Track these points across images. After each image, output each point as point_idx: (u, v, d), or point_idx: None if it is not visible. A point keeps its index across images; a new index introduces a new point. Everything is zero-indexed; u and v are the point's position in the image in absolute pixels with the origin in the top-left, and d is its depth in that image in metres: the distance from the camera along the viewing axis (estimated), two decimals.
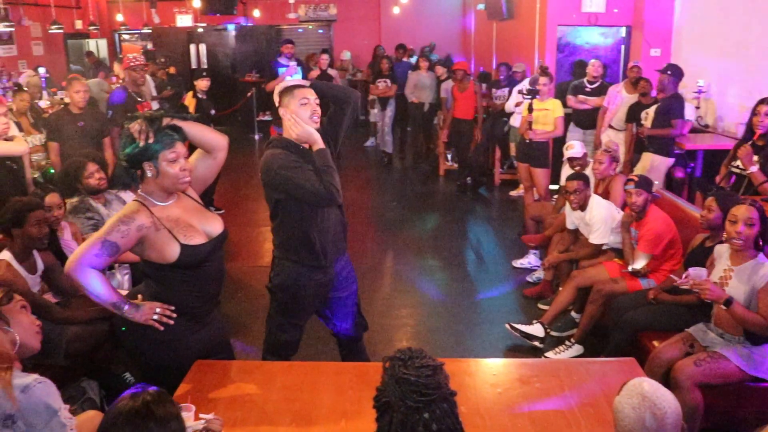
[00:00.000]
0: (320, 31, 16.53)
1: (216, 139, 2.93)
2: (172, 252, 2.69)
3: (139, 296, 2.77)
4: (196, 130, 2.81)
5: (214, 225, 2.90)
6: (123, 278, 4.40)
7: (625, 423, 1.87)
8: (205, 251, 2.77)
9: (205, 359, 2.94)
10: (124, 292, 4.08)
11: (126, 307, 2.65)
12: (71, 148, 5.61)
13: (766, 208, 3.57)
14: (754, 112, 4.80)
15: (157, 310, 2.70)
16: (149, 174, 2.68)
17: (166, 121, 2.71)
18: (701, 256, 3.75)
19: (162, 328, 2.70)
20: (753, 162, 4.75)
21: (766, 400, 3.35)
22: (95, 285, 2.59)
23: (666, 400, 1.87)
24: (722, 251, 3.56)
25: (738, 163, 4.87)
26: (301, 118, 3.14)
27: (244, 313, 5.32)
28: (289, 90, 3.22)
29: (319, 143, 3.17)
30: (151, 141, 2.62)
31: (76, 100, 5.94)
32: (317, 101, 3.21)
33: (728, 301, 3.20)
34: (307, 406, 2.62)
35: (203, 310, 2.92)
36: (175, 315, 2.74)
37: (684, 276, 3.34)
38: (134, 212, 2.65)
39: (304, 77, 8.45)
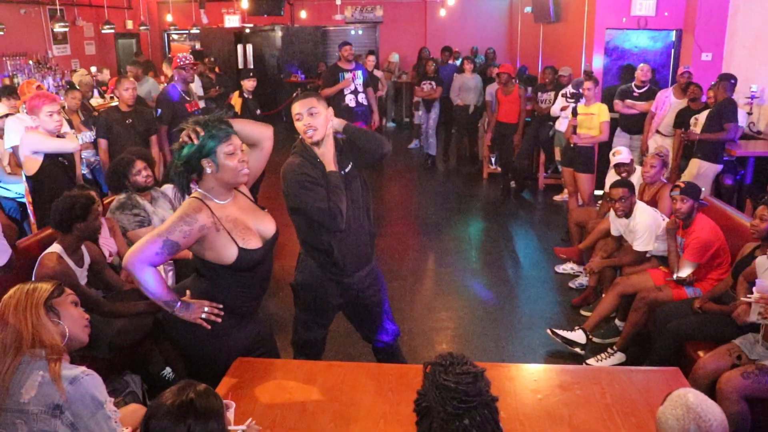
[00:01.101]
0: (362, 32, 16.58)
1: (259, 130, 2.96)
2: (230, 254, 2.72)
3: (188, 292, 2.81)
4: (239, 125, 2.83)
5: (267, 225, 2.93)
6: (167, 275, 4.48)
7: (667, 428, 1.83)
8: (260, 255, 2.81)
9: (248, 354, 2.99)
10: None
11: (177, 305, 2.69)
12: (119, 146, 5.75)
13: None
14: None
15: (206, 308, 2.73)
16: (209, 170, 2.69)
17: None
18: (749, 266, 3.66)
19: (209, 327, 2.74)
20: None
21: None
22: (151, 282, 2.62)
23: (712, 412, 1.82)
24: (765, 263, 3.47)
25: None
26: (301, 133, 3.23)
27: (287, 312, 5.35)
28: (294, 100, 3.28)
29: (330, 165, 3.20)
30: (202, 133, 2.65)
31: (125, 98, 6.08)
32: (313, 110, 3.20)
33: None
34: (347, 406, 2.63)
35: (251, 308, 2.98)
36: (222, 313, 2.77)
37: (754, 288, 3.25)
38: (196, 211, 2.66)
39: (365, 81, 8.33)
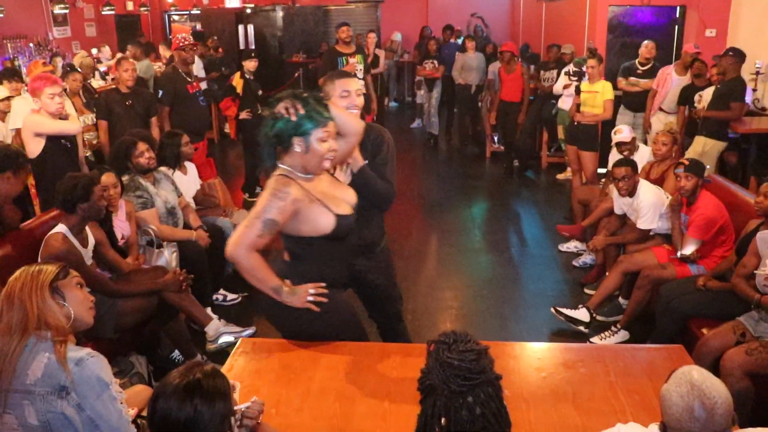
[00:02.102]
0: (363, 11, 16.46)
1: (352, 123, 2.89)
2: (327, 223, 2.69)
3: (287, 281, 2.75)
4: (335, 113, 2.76)
5: (350, 193, 2.91)
6: (171, 256, 4.49)
7: (673, 411, 1.83)
8: (353, 220, 2.80)
9: (354, 318, 3.03)
10: (172, 269, 4.22)
11: (285, 290, 2.68)
12: (120, 127, 5.74)
13: None
14: None
15: (311, 291, 2.71)
16: (298, 149, 2.64)
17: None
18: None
19: (319, 310, 2.72)
20: None
21: None
22: (260, 269, 2.62)
23: (716, 389, 1.82)
24: (765, 237, 3.46)
25: None
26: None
27: None
28: (330, 78, 3.16)
29: (358, 160, 3.14)
30: (301, 111, 2.60)
31: (125, 79, 6.05)
32: (359, 92, 3.14)
33: None
34: (351, 386, 2.64)
35: (345, 277, 2.98)
36: (326, 291, 2.75)
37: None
38: (286, 185, 2.62)
39: (366, 67, 7.77)
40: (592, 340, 4.51)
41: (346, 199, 2.84)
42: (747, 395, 3.19)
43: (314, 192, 2.69)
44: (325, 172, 2.84)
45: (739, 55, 6.55)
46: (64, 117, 5.08)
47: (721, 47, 7.97)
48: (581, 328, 4.58)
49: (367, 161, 3.19)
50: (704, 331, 3.70)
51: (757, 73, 7.66)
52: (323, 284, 2.75)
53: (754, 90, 7.71)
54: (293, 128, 2.61)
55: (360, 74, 7.30)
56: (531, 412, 2.45)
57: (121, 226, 4.26)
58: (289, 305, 2.71)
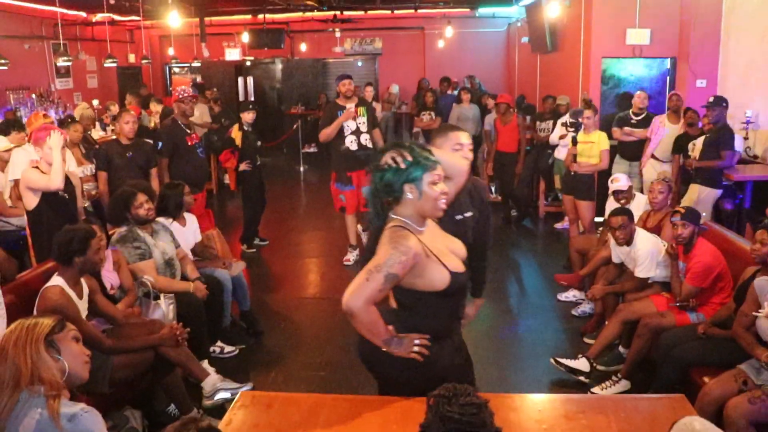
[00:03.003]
0: (362, 63, 16.74)
1: (458, 164, 2.92)
2: (442, 279, 2.66)
3: (390, 327, 2.70)
4: (439, 155, 2.75)
5: (460, 247, 2.89)
6: (168, 308, 4.47)
7: None
8: (466, 277, 2.78)
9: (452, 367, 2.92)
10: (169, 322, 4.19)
11: (394, 341, 2.65)
12: (120, 178, 5.77)
13: None
14: None
15: (416, 341, 2.67)
16: (410, 197, 2.61)
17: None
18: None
19: (422, 359, 2.68)
20: None
21: None
22: (376, 323, 2.59)
23: None
24: (764, 284, 3.46)
25: None
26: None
27: (286, 345, 5.34)
28: (443, 131, 3.17)
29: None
30: (408, 158, 2.59)
31: (125, 131, 6.10)
32: (471, 147, 3.14)
33: None
34: None
35: (453, 329, 2.93)
36: (429, 344, 2.71)
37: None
38: (407, 239, 2.58)
39: (371, 119, 7.11)
40: (593, 390, 4.46)
41: (457, 253, 2.81)
42: None
43: (430, 246, 2.67)
44: (436, 225, 2.83)
45: (719, 103, 6.69)
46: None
47: None
48: (582, 378, 4.54)
49: (471, 213, 3.21)
50: (706, 379, 3.67)
51: (748, 122, 7.76)
52: (428, 336, 2.70)
53: (746, 139, 7.81)
54: (404, 176, 2.59)
55: (363, 127, 6.96)
56: None
57: (109, 277, 4.26)
58: (392, 353, 2.67)
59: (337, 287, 6.50)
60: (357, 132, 6.94)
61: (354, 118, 6.90)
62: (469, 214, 3.19)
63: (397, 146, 2.63)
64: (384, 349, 2.65)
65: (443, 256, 2.69)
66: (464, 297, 2.97)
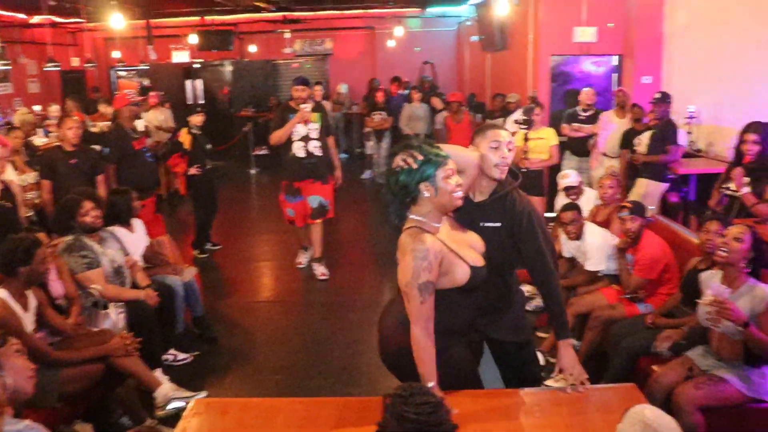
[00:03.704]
0: (312, 64, 16.67)
1: (467, 157, 2.90)
2: (463, 275, 2.65)
3: (434, 385, 2.63)
4: (448, 150, 2.74)
5: (478, 241, 2.86)
6: (118, 317, 4.37)
7: None
8: (486, 271, 2.76)
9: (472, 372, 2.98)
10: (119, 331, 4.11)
11: (430, 385, 2.58)
12: (64, 186, 5.61)
13: (760, 230, 3.58)
14: (742, 140, 4.84)
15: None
16: (427, 194, 2.60)
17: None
18: (696, 280, 3.75)
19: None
20: (744, 184, 4.79)
21: (767, 420, 3.34)
22: (431, 350, 2.58)
23: (669, 428, 1.84)
24: (709, 278, 3.57)
25: (730, 185, 4.90)
26: (487, 162, 3.00)
27: (241, 350, 5.28)
28: (482, 130, 3.11)
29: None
30: (420, 158, 2.59)
31: (69, 137, 5.92)
32: (510, 145, 3.02)
33: (746, 323, 3.19)
34: None
35: (468, 326, 2.91)
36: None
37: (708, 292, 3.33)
38: (423, 241, 2.57)
39: (325, 126, 6.67)
40: (547, 383, 4.52)
41: (474, 246, 2.81)
42: (698, 429, 3.24)
43: (449, 241, 2.66)
44: (453, 220, 2.83)
45: (667, 99, 6.87)
46: None
47: None
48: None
49: (499, 224, 3.07)
50: (654, 367, 3.75)
51: (691, 117, 7.97)
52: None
53: (689, 133, 8.01)
54: (418, 175, 2.59)
55: (314, 134, 6.49)
56: None
57: (54, 286, 4.14)
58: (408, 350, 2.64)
59: (290, 290, 6.48)
60: (306, 138, 6.50)
61: (305, 123, 6.46)
62: (495, 224, 3.05)
63: (406, 147, 2.64)
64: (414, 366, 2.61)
65: (462, 250, 2.70)
66: (483, 292, 2.93)
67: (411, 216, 2.67)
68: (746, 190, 4.77)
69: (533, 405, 2.81)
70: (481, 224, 3.01)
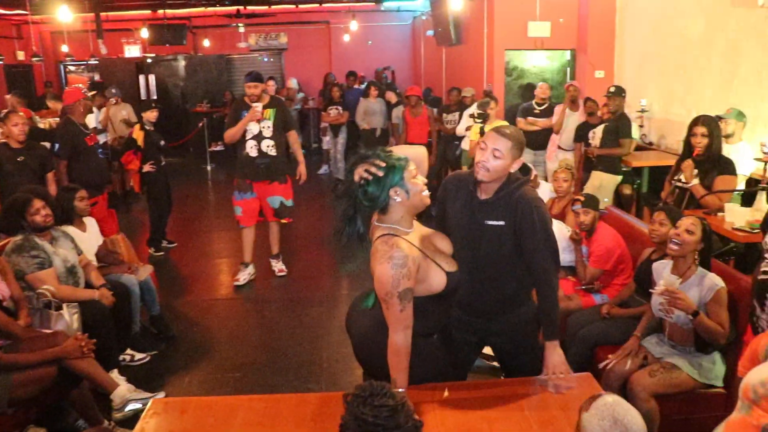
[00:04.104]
0: (267, 59, 16.55)
1: (419, 154, 2.85)
2: (440, 281, 2.63)
3: (403, 390, 2.62)
4: (399, 151, 2.71)
5: (448, 244, 2.84)
6: (71, 318, 4.27)
7: None
8: (460, 275, 2.73)
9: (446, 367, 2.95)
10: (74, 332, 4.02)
11: (400, 391, 2.57)
12: (12, 184, 5.44)
13: (710, 221, 3.67)
14: (691, 133, 4.95)
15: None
16: (399, 199, 2.58)
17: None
18: (650, 270, 3.83)
19: None
20: (693, 176, 4.91)
21: (718, 404, 3.44)
22: (406, 355, 2.57)
23: (637, 425, 1.85)
24: (660, 268, 3.65)
25: (681, 177, 5.02)
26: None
27: (200, 349, 5.22)
28: (493, 128, 3.00)
29: None
30: (383, 165, 2.55)
31: (15, 134, 5.75)
32: (497, 152, 2.81)
33: (696, 312, 3.27)
34: None
35: (440, 328, 2.90)
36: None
37: (660, 282, 3.41)
38: (400, 248, 2.54)
39: (282, 122, 6.34)
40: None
41: (445, 249, 2.79)
42: (653, 416, 3.32)
43: (421, 247, 2.64)
44: (418, 223, 2.79)
45: (620, 93, 7.01)
46: None
47: None
48: (495, 363, 4.64)
49: (503, 223, 2.95)
50: (610, 356, 3.81)
51: (643, 110, 8.14)
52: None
53: (641, 126, 8.18)
54: (387, 183, 2.56)
55: (267, 132, 6.19)
56: None
57: (0, 287, 4.02)
58: (386, 353, 2.64)
59: (248, 287, 6.42)
60: (259, 137, 6.18)
61: (258, 121, 6.15)
62: (499, 222, 2.94)
63: (363, 158, 2.60)
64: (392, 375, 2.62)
65: (436, 256, 2.69)
66: (480, 293, 2.99)
67: (380, 224, 2.66)
68: (695, 182, 4.89)
69: (491, 396, 2.84)
70: (486, 222, 2.94)
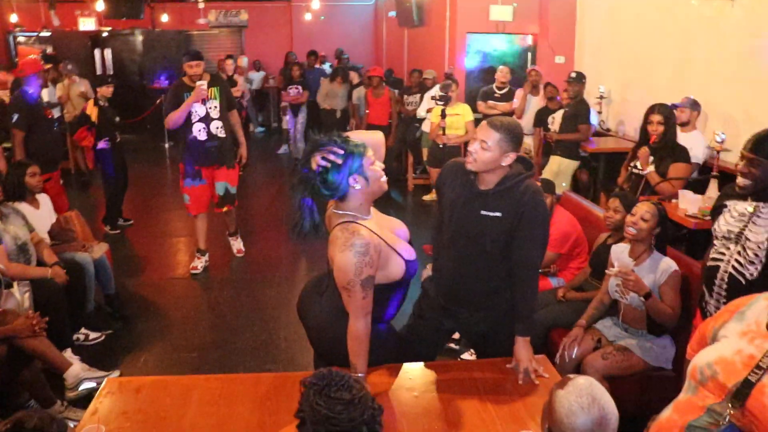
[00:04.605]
0: (226, 36, 16.29)
1: (373, 138, 2.79)
2: (399, 269, 2.62)
3: (362, 375, 2.65)
4: (355, 136, 2.67)
5: (404, 229, 2.82)
6: (23, 297, 4.19)
7: (571, 421, 1.84)
8: (418, 263, 2.72)
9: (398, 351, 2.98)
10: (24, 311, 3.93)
11: (359, 376, 2.58)
12: None
13: (667, 207, 3.75)
14: (647, 121, 5.02)
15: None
16: (358, 186, 2.54)
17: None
18: (605, 254, 3.90)
19: None
20: (649, 163, 5.00)
21: (667, 386, 3.52)
22: (366, 342, 2.58)
23: (612, 405, 1.87)
24: (619, 251, 3.73)
25: (637, 163, 5.11)
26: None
27: (156, 328, 5.17)
28: (486, 119, 2.94)
29: None
30: (341, 152, 2.51)
31: None
32: (485, 144, 2.80)
33: (648, 294, 3.35)
34: (225, 419, 2.57)
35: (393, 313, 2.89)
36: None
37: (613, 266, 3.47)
38: (361, 235, 2.50)
39: (226, 101, 6.03)
40: (462, 356, 4.63)
41: (400, 234, 2.77)
42: None
43: (380, 234, 2.61)
44: (376, 210, 2.77)
45: (580, 79, 7.09)
46: None
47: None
48: (452, 345, 4.69)
49: (499, 214, 2.91)
50: (565, 339, 3.88)
51: (601, 97, 8.24)
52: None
53: (599, 113, 8.29)
54: (347, 169, 2.53)
55: (214, 112, 5.87)
56: None
57: None
58: (344, 340, 2.64)
59: (205, 266, 6.34)
60: (206, 119, 5.85)
61: (203, 102, 5.79)
62: (495, 214, 2.90)
63: (319, 145, 2.56)
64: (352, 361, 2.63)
65: (395, 243, 2.67)
66: (465, 282, 3.02)
67: (338, 212, 2.64)
68: (651, 169, 4.99)
69: (448, 378, 2.87)
70: (481, 212, 2.91)
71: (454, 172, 3.05)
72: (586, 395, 1.84)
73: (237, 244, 6.75)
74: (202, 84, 5.72)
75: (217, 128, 5.92)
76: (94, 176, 9.21)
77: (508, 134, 2.82)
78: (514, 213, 2.87)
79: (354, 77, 10.45)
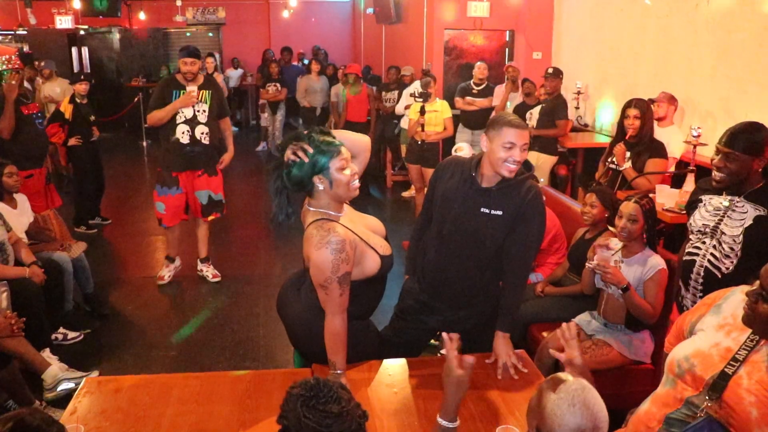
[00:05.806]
0: (209, 34, 16.21)
1: (359, 141, 2.78)
2: (373, 265, 2.62)
3: (341, 371, 2.68)
4: (340, 136, 2.67)
5: (380, 226, 2.82)
6: (0, 296, 4.14)
7: (563, 429, 1.81)
8: (392, 258, 2.73)
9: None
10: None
11: (337, 372, 2.64)
12: None
13: (647, 203, 3.78)
14: (624, 115, 5.05)
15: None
16: (321, 187, 2.55)
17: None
18: (583, 249, 3.94)
19: None
20: (626, 159, 5.04)
21: (646, 380, 3.57)
22: (344, 337, 2.60)
23: (603, 412, 1.82)
24: (613, 246, 3.74)
25: (614, 159, 5.15)
26: (496, 160, 2.78)
27: (135, 327, 5.15)
28: (498, 122, 2.82)
29: None
30: (310, 150, 2.51)
31: None
32: (525, 147, 2.76)
33: (626, 288, 3.36)
34: (204, 417, 2.56)
35: (370, 311, 2.93)
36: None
37: (594, 257, 3.49)
38: (336, 232, 2.50)
39: (217, 107, 5.68)
40: (442, 352, 4.63)
41: (377, 230, 2.78)
42: None
43: (354, 230, 2.62)
44: (350, 207, 2.78)
45: (557, 75, 7.14)
46: None
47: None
48: (432, 341, 4.71)
49: (500, 213, 2.88)
50: (544, 334, 3.91)
51: (578, 92, 8.30)
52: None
53: (577, 108, 8.34)
54: (310, 168, 2.53)
55: (202, 116, 5.53)
56: (384, 428, 2.48)
57: None
58: (322, 336, 2.66)
59: (183, 264, 6.27)
60: (192, 121, 5.49)
61: (193, 105, 5.51)
62: (496, 212, 2.87)
63: (296, 139, 2.58)
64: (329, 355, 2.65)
65: (369, 239, 2.68)
66: (459, 283, 3.03)
67: (311, 209, 2.65)
68: (628, 165, 5.02)
69: (427, 374, 2.88)
70: (481, 210, 2.89)
71: (452, 170, 3.04)
72: (579, 403, 1.76)
73: (210, 270, 6.10)
74: (192, 90, 5.46)
75: (202, 134, 5.56)
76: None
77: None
78: (516, 212, 2.87)
79: (329, 69, 10.43)
